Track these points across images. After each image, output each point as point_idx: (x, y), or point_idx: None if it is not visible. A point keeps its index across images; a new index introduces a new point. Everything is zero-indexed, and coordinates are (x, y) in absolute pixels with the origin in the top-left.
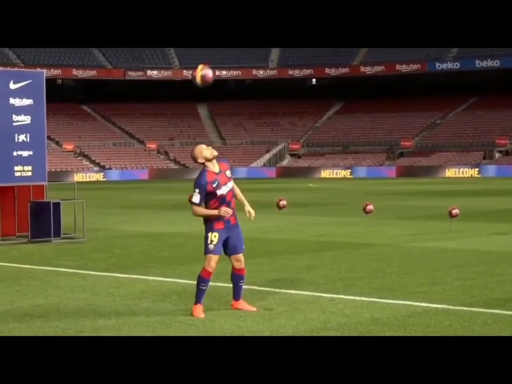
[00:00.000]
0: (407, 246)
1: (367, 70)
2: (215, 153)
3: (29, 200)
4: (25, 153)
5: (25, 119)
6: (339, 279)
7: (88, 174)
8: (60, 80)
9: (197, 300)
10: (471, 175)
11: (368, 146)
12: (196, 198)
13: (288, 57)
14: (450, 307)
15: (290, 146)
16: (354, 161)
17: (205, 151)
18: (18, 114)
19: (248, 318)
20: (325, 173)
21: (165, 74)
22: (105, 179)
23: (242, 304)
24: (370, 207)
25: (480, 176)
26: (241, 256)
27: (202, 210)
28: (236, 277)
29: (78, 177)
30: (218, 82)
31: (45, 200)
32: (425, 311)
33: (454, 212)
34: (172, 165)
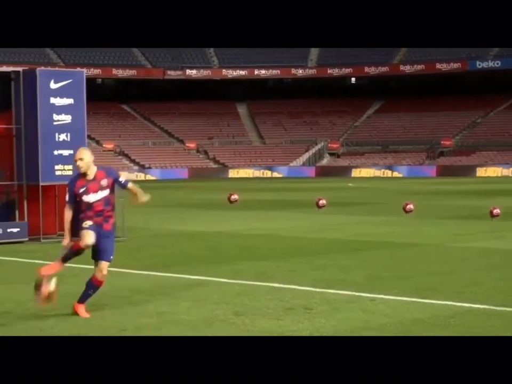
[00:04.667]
0: (448, 245)
1: (407, 68)
2: (82, 165)
3: None
4: (65, 152)
5: (65, 119)
6: (379, 279)
7: (128, 173)
8: (100, 80)
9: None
10: None
11: (408, 145)
12: (66, 196)
13: (328, 56)
14: (492, 307)
15: (329, 145)
16: (394, 160)
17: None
18: (58, 113)
19: (288, 317)
20: (363, 172)
21: (204, 73)
22: (145, 178)
23: (81, 308)
24: (410, 206)
25: None
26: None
27: (67, 221)
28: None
29: None
30: (258, 82)
31: None
32: (467, 311)
33: (495, 211)
34: (211, 164)
